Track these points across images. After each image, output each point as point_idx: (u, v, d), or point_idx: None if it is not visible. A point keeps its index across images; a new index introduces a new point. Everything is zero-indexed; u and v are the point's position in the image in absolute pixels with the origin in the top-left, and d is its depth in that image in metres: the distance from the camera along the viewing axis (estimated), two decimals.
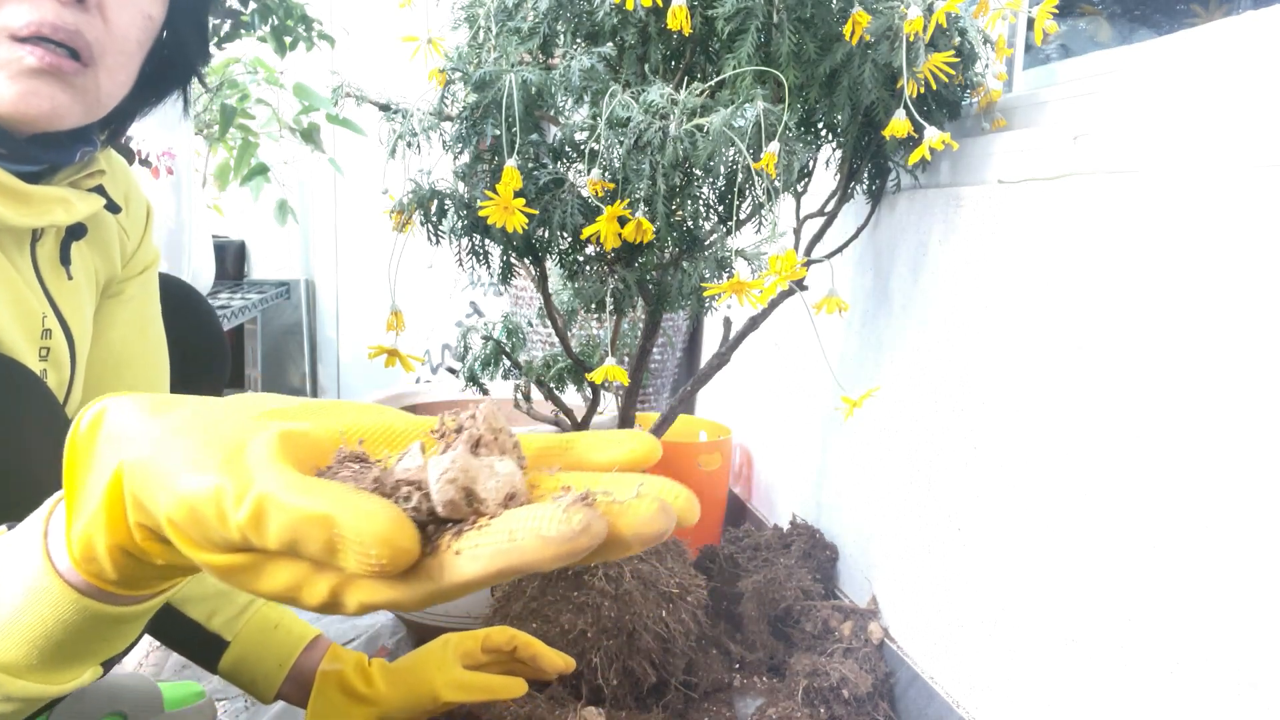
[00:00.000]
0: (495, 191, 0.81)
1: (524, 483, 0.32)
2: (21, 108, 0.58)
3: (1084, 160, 0.81)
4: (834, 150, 1.12)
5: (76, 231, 0.73)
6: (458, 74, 0.91)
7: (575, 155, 0.92)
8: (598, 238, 0.82)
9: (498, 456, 0.33)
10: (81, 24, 0.59)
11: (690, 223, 0.96)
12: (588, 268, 1.01)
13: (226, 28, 1.54)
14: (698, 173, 0.89)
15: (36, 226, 0.66)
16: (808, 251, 1.16)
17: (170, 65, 0.74)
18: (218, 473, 0.31)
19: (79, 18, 0.59)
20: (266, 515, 0.30)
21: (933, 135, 0.83)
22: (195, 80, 0.77)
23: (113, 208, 0.74)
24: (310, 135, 1.96)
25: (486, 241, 0.97)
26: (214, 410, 0.36)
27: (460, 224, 0.94)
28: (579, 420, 1.17)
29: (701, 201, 0.96)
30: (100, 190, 0.72)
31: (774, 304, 1.14)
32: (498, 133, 0.87)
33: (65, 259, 0.72)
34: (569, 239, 0.96)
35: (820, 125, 1.05)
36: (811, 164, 1.14)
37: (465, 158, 0.94)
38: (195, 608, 0.83)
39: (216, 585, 0.85)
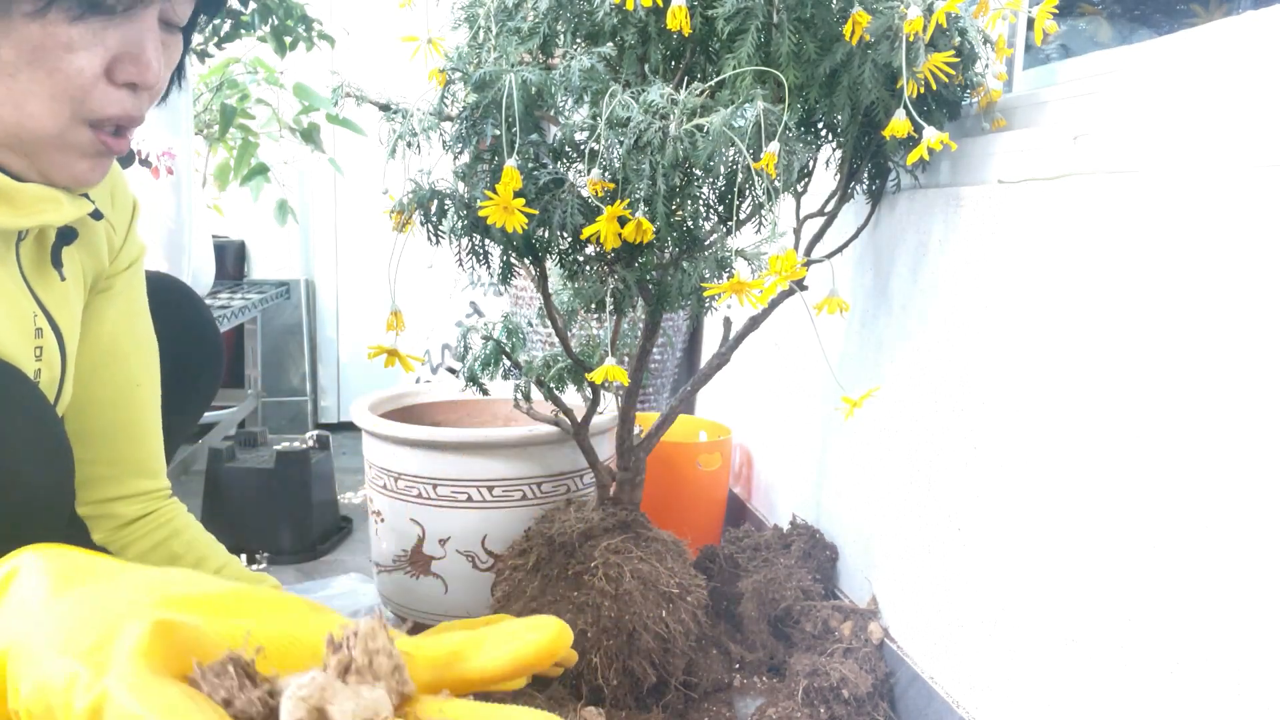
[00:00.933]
0: (495, 191, 0.81)
1: (388, 713, 0.31)
2: (81, 180, 0.65)
3: (1084, 160, 0.81)
4: (834, 150, 1.12)
5: (67, 235, 0.73)
6: (458, 74, 0.91)
7: (575, 155, 0.92)
8: (598, 238, 0.82)
9: (370, 684, 0.32)
10: (144, 104, 0.65)
11: (690, 223, 0.96)
12: (588, 268, 1.01)
13: (226, 28, 1.54)
14: (698, 173, 0.89)
15: (26, 228, 0.66)
16: (808, 251, 1.16)
17: None
18: (78, 658, 0.30)
19: (143, 101, 0.65)
20: (103, 713, 0.29)
21: (932, 135, 0.83)
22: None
23: (96, 215, 0.75)
24: (310, 135, 1.96)
25: (486, 241, 0.97)
26: (113, 590, 0.35)
27: (460, 224, 0.94)
28: (579, 420, 1.17)
29: (701, 201, 0.96)
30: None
31: (774, 304, 1.14)
32: (498, 133, 0.87)
33: (57, 261, 0.73)
34: (569, 239, 0.96)
35: (820, 125, 1.05)
36: (811, 164, 1.14)
37: (465, 158, 0.94)
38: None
39: None
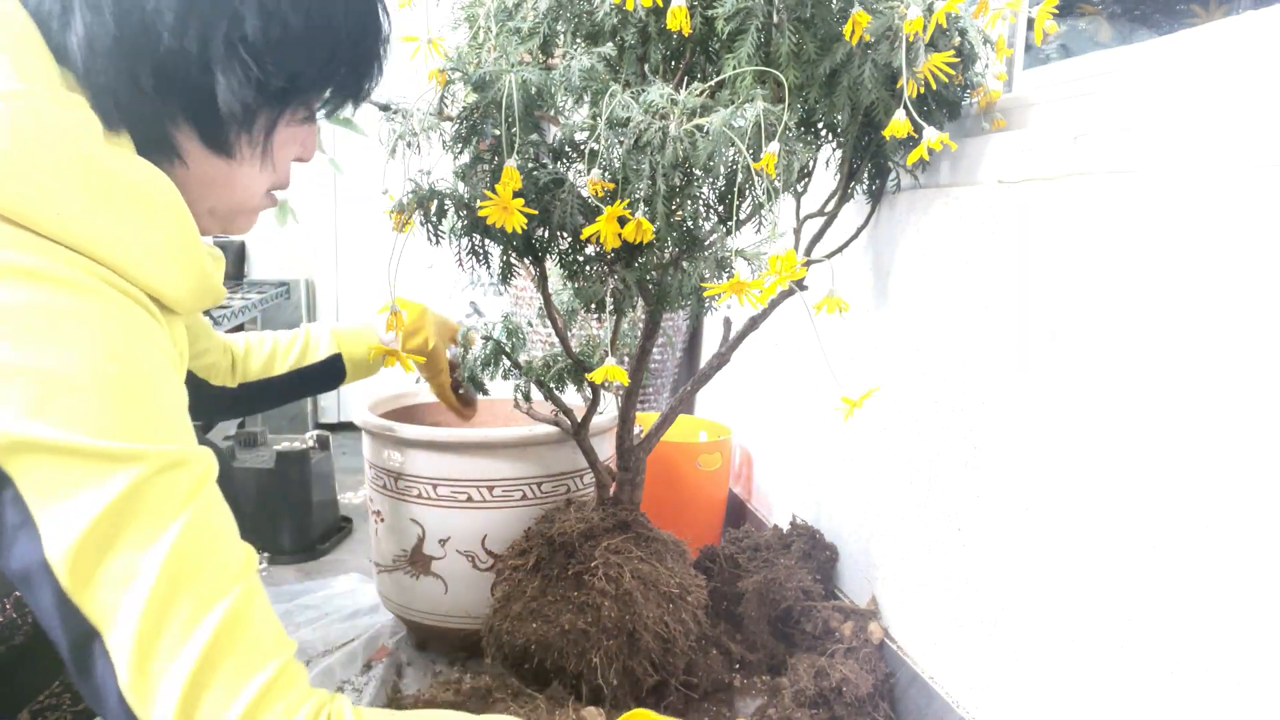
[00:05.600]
0: (495, 191, 0.81)
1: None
2: (247, 230, 0.77)
3: (1084, 160, 0.81)
4: (834, 150, 1.12)
5: None
6: (458, 74, 0.91)
7: (575, 155, 0.92)
8: (598, 238, 0.82)
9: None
10: None
11: (690, 223, 0.95)
12: (588, 268, 1.00)
13: None
14: (698, 173, 0.89)
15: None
16: (808, 251, 1.16)
17: None
18: None
19: None
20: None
21: (932, 135, 0.83)
22: None
23: None
24: None
25: (486, 241, 0.97)
26: None
27: (460, 224, 0.94)
28: (579, 420, 1.17)
29: (701, 201, 0.96)
30: None
31: (774, 304, 1.14)
32: (498, 133, 0.87)
33: None
34: (569, 239, 0.96)
35: (820, 125, 1.05)
36: (811, 164, 1.14)
37: (465, 158, 0.94)
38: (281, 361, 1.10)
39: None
